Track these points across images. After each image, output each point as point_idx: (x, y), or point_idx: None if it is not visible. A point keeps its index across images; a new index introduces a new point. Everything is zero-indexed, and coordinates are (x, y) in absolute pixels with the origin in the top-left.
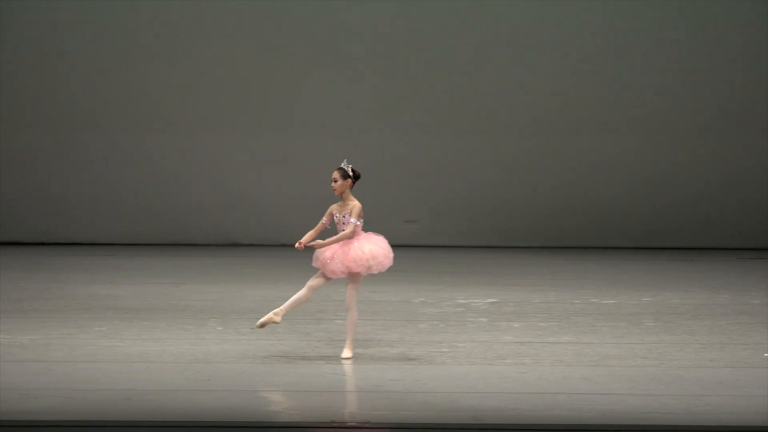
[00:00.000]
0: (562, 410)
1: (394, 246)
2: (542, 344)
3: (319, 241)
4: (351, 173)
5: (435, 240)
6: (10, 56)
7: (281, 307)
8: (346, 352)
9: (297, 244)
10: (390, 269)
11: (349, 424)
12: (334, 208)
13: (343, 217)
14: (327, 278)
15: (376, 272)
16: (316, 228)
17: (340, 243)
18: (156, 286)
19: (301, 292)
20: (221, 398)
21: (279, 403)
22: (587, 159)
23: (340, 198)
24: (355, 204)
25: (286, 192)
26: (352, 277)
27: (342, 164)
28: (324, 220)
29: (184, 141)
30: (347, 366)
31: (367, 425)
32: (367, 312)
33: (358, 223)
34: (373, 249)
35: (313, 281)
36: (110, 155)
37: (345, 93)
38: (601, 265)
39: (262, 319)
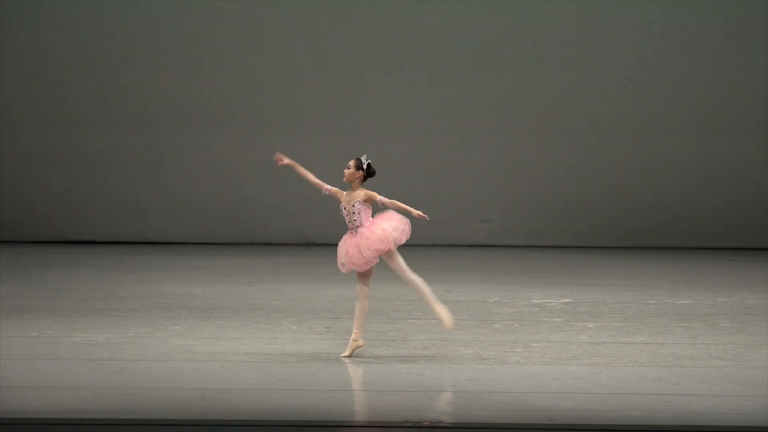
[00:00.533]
0: (636, 411)
1: (469, 246)
2: (617, 344)
3: (291, 162)
4: (364, 167)
5: (510, 240)
6: (70, 55)
7: (354, 330)
8: (445, 313)
9: (277, 156)
10: (465, 269)
11: (423, 423)
12: (342, 194)
13: (352, 206)
14: (364, 276)
15: (404, 240)
16: (313, 176)
17: (349, 237)
18: (231, 286)
19: (359, 305)
20: (295, 398)
21: (353, 403)
22: (663, 158)
23: (350, 186)
24: (367, 192)
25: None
26: (388, 257)
27: (362, 156)
28: (327, 187)
29: (260, 140)
30: (422, 365)
31: (441, 425)
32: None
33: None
34: (390, 223)
35: (360, 288)
36: (186, 155)
37: (420, 94)
38: (676, 265)
39: (348, 351)
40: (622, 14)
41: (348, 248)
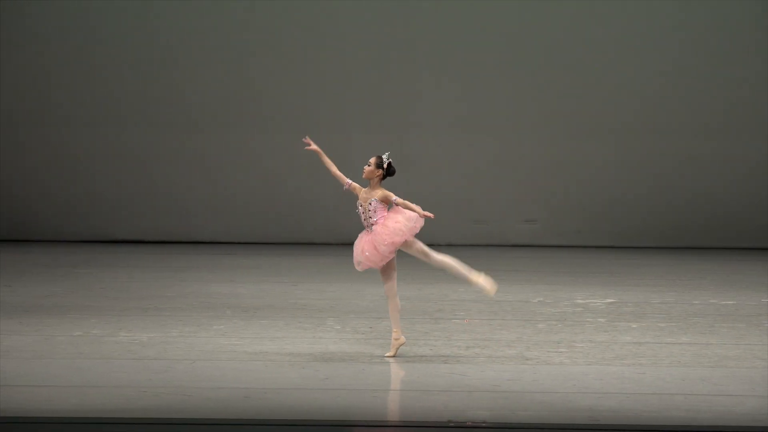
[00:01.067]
0: (680, 411)
1: (513, 246)
2: (660, 345)
3: (317, 149)
4: (384, 165)
5: (554, 240)
6: (113, 55)
7: (393, 329)
8: (484, 280)
9: (306, 139)
10: (509, 269)
11: (466, 423)
12: (361, 190)
13: (369, 204)
14: (386, 274)
15: (418, 229)
16: (336, 168)
17: (364, 234)
18: (275, 285)
19: (390, 304)
20: (338, 397)
21: (396, 403)
22: (705, 158)
23: (368, 183)
24: (384, 191)
25: (405, 190)
26: (408, 247)
27: (384, 154)
28: (348, 181)
29: (301, 140)
30: (465, 365)
31: (483, 425)
32: (485, 312)
33: (389, 200)
34: (401, 216)
35: (388, 287)
36: (231, 155)
37: (464, 93)
38: (721, 265)
39: (392, 350)
40: (662, 12)
41: (363, 246)
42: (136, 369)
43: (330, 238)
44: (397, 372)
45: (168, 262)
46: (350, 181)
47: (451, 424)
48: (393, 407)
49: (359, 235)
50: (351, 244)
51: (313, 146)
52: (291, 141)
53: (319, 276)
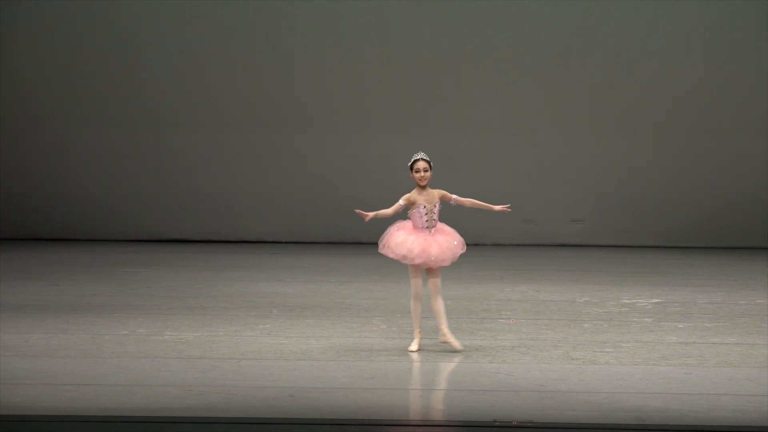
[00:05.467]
0: (727, 412)
1: (560, 246)
2: (707, 345)
3: (374, 214)
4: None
5: (600, 239)
6: (156, 55)
7: (441, 328)
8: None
9: (362, 213)
10: (555, 269)
11: (512, 423)
12: (417, 196)
13: (434, 206)
14: (420, 270)
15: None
16: (388, 210)
17: (425, 234)
18: (321, 284)
19: (431, 301)
20: (384, 397)
21: (442, 402)
22: (754, 158)
23: (422, 188)
24: (441, 191)
25: (451, 190)
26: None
27: (423, 155)
28: (400, 203)
29: (351, 140)
30: (511, 365)
31: (529, 424)
32: (531, 311)
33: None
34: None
35: (420, 288)
36: (277, 154)
37: (510, 91)
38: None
39: (455, 343)
40: (704, 11)
41: (430, 244)
42: (182, 368)
43: (376, 237)
44: (443, 371)
45: (214, 261)
46: (401, 203)
47: (497, 424)
48: (438, 407)
49: (411, 237)
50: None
51: (370, 215)
52: (336, 140)
53: (365, 275)
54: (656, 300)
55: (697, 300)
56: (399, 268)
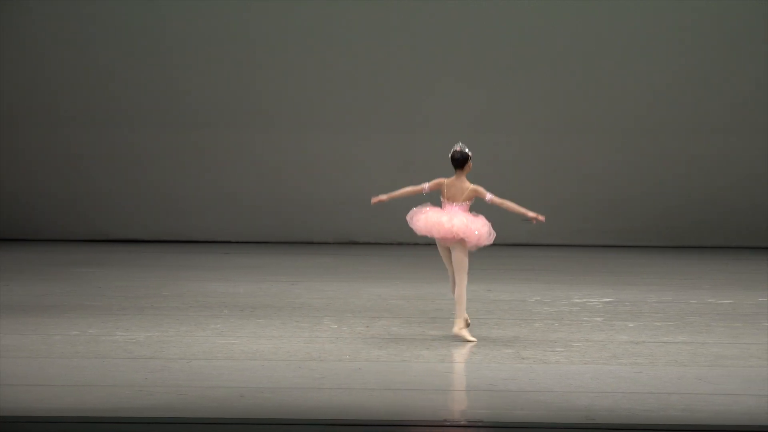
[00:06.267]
0: (676, 410)
1: (511, 245)
2: (657, 344)
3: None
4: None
5: (551, 239)
6: (114, 54)
7: (459, 318)
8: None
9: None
10: (506, 268)
11: (462, 422)
12: (448, 181)
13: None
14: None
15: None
16: (405, 190)
17: (460, 213)
18: (272, 284)
19: (456, 288)
20: (335, 397)
21: (392, 402)
22: (704, 157)
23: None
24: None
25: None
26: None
27: (459, 145)
28: (425, 187)
29: (303, 139)
30: (461, 365)
31: (480, 424)
32: (482, 311)
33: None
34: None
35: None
36: (230, 153)
37: (462, 94)
38: (719, 264)
39: (466, 337)
40: (665, 13)
41: (442, 214)
42: (133, 368)
43: (328, 237)
44: (393, 371)
45: (165, 261)
46: (427, 185)
47: (447, 423)
48: (389, 406)
49: (429, 210)
50: (349, 243)
51: (383, 197)
52: (288, 139)
53: (316, 275)
54: (607, 299)
55: (647, 299)
56: (349, 268)
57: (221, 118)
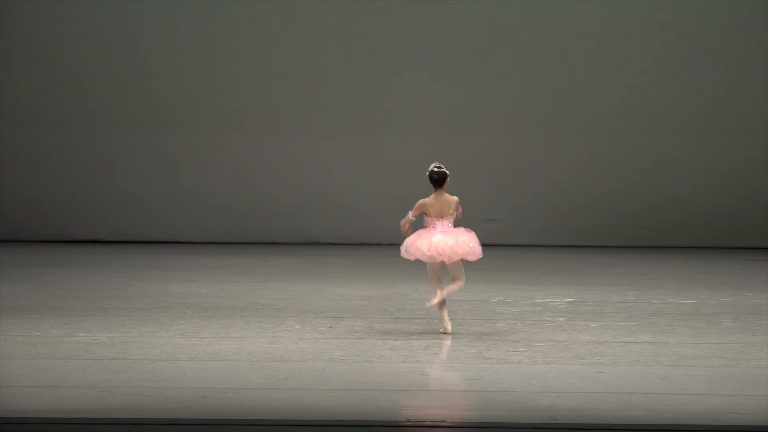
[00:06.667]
0: (639, 410)
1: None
2: (620, 344)
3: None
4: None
5: (514, 239)
6: (79, 54)
7: (443, 318)
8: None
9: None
10: (469, 268)
11: (425, 423)
12: (431, 201)
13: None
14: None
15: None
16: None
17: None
18: (235, 285)
19: (457, 284)
20: (298, 397)
21: (355, 403)
22: (667, 158)
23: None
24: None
25: (367, 191)
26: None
27: (441, 166)
28: (412, 217)
29: (266, 140)
30: (425, 365)
31: (443, 424)
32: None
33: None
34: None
35: (435, 281)
36: (192, 154)
37: (427, 93)
38: (680, 264)
39: (447, 328)
40: (629, 14)
41: (432, 235)
42: (96, 369)
43: (290, 237)
44: (357, 371)
45: (127, 261)
46: (411, 214)
47: (410, 424)
48: (352, 407)
49: (427, 235)
50: (312, 244)
51: (407, 227)
52: (251, 140)
53: (279, 276)
54: (569, 299)
55: (610, 299)
56: (312, 269)
57: (184, 119)
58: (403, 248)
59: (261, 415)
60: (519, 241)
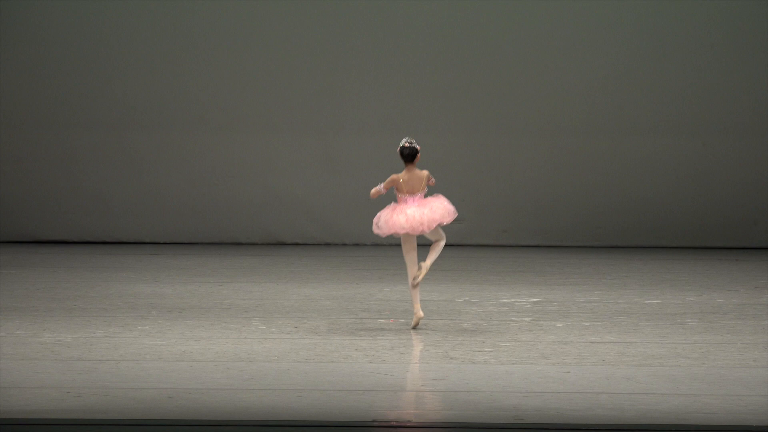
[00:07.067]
0: (604, 410)
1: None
2: (585, 344)
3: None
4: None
5: (480, 239)
6: (52, 56)
7: (415, 305)
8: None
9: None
10: (434, 268)
11: (391, 423)
12: (404, 176)
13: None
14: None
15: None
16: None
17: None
18: (200, 285)
19: (440, 243)
20: (263, 397)
21: (320, 403)
22: (633, 157)
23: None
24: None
25: (331, 191)
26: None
27: (405, 141)
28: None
29: (230, 140)
30: (390, 365)
31: (408, 424)
32: (410, 311)
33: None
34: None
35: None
36: (156, 154)
37: (389, 93)
38: (646, 264)
39: (419, 315)
40: (591, 15)
41: (407, 208)
42: (60, 370)
43: (255, 238)
44: (321, 372)
45: (92, 262)
46: (382, 185)
47: (376, 424)
48: (318, 407)
49: (397, 208)
50: (277, 244)
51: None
52: (214, 140)
53: (244, 276)
54: (535, 299)
55: (575, 299)
56: (277, 269)
57: (148, 119)
58: (376, 223)
59: (227, 415)
60: (484, 241)
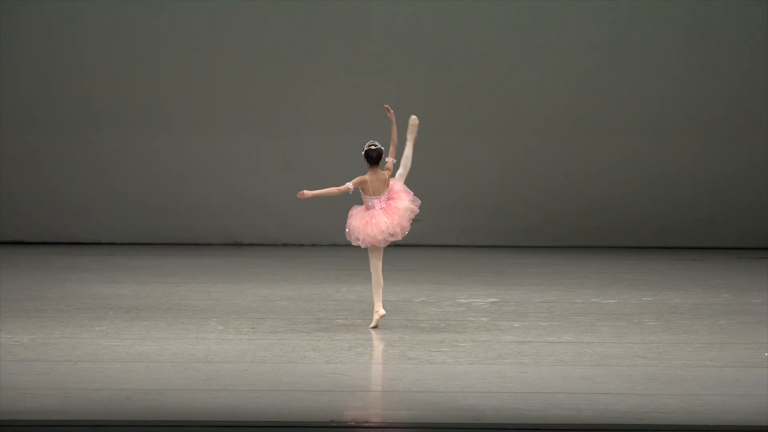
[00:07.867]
0: (562, 410)
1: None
2: (542, 344)
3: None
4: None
5: (438, 239)
6: (15, 57)
7: (376, 304)
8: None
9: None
10: (392, 268)
11: (348, 423)
12: (369, 177)
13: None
14: (380, 251)
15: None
16: (331, 189)
17: (373, 213)
18: (157, 286)
19: (376, 279)
20: (221, 398)
21: (278, 403)
22: (590, 159)
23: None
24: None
25: (290, 192)
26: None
27: (368, 143)
28: (349, 186)
29: (189, 141)
30: (348, 365)
31: (366, 424)
32: (368, 312)
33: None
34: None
35: (378, 263)
36: (114, 155)
37: (350, 94)
38: (603, 264)
39: (373, 323)
40: (552, 15)
41: (379, 220)
42: (17, 371)
43: (212, 238)
44: (279, 372)
45: (49, 262)
46: (351, 184)
47: (333, 424)
48: (276, 407)
49: (359, 214)
50: (235, 245)
51: (309, 194)
52: (172, 141)
53: (201, 276)
54: (492, 299)
55: (532, 299)
56: (234, 269)
57: (106, 119)
58: (353, 235)
59: (184, 416)
60: (442, 241)
